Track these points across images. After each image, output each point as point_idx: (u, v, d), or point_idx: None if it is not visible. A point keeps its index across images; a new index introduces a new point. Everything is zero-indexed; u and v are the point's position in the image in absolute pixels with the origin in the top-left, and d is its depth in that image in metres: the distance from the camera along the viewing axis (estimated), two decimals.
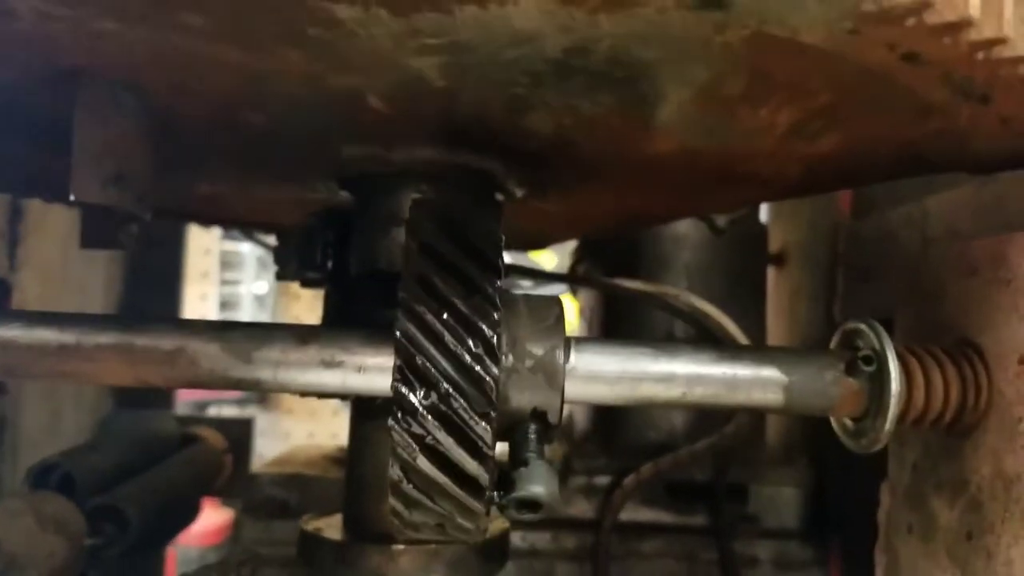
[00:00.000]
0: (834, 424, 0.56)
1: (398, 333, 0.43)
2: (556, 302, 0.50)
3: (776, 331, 1.31)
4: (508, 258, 0.51)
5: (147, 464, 1.04)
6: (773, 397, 0.51)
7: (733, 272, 1.19)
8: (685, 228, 1.19)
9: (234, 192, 0.82)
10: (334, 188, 0.74)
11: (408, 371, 0.42)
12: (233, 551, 1.03)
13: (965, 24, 0.34)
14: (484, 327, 0.43)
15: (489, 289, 0.43)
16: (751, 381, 0.51)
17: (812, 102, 0.46)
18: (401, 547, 0.63)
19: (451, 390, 0.42)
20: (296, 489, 1.08)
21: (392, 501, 0.45)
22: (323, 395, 0.54)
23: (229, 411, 2.93)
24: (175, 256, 1.47)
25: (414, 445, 0.43)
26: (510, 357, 0.45)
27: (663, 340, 1.13)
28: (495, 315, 0.43)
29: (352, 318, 0.68)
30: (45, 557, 0.78)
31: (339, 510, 0.78)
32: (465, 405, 0.42)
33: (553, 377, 0.47)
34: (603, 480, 1.05)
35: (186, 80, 0.47)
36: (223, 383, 0.50)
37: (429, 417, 0.42)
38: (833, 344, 0.56)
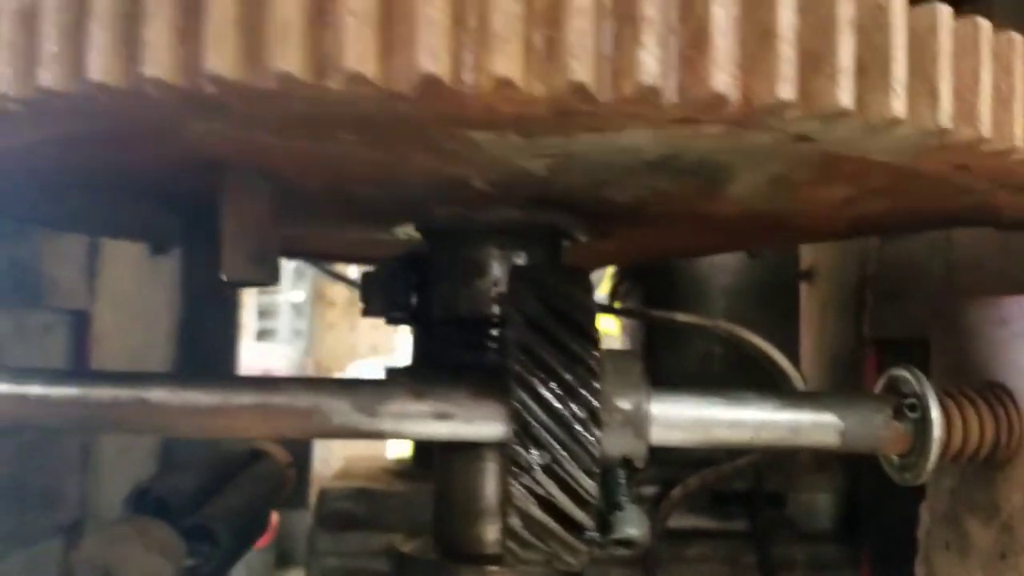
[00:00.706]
0: (882, 460, 0.62)
1: (513, 401, 0.50)
2: (637, 358, 0.57)
3: (806, 343, 1.37)
4: None
5: (223, 481, 1.11)
6: (830, 440, 0.58)
7: (768, 291, 1.25)
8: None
9: (322, 235, 0.89)
10: (417, 237, 0.81)
11: (524, 435, 0.49)
12: (312, 564, 1.11)
13: (1012, 150, 0.40)
14: (587, 395, 0.50)
15: (589, 360, 0.50)
16: (811, 426, 0.58)
17: (869, 185, 0.53)
18: (495, 569, 0.70)
19: (560, 451, 0.49)
20: (363, 502, 1.15)
21: (509, 543, 0.52)
22: (433, 442, 0.61)
23: None
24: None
25: (530, 497, 0.50)
26: (604, 415, 0.52)
27: (702, 359, 1.20)
28: (595, 384, 0.50)
29: (438, 358, 0.75)
30: None
31: (409, 525, 0.85)
32: (573, 463, 0.49)
33: (640, 429, 0.54)
34: (651, 490, 1.12)
35: (323, 171, 0.54)
36: (350, 434, 0.58)
37: (542, 474, 0.49)
38: (878, 388, 0.63)
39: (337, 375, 3.60)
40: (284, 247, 0.89)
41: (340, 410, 0.57)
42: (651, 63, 0.33)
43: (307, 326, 3.45)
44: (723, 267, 1.26)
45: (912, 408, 0.58)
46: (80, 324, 1.13)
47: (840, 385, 1.27)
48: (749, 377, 0.75)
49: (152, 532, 0.87)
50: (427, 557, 0.73)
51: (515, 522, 0.51)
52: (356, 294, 0.87)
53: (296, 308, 3.49)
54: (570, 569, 0.55)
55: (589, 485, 0.50)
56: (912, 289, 1.12)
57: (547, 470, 0.49)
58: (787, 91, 0.34)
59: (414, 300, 0.83)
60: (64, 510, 1.12)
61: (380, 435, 0.58)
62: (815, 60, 0.35)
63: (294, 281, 3.44)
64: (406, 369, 0.81)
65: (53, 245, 1.04)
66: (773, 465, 1.15)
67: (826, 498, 1.19)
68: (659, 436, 0.56)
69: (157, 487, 0.96)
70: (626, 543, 0.52)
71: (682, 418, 0.57)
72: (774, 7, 0.35)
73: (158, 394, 0.55)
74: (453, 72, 0.34)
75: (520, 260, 0.74)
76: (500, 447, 0.58)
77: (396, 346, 3.67)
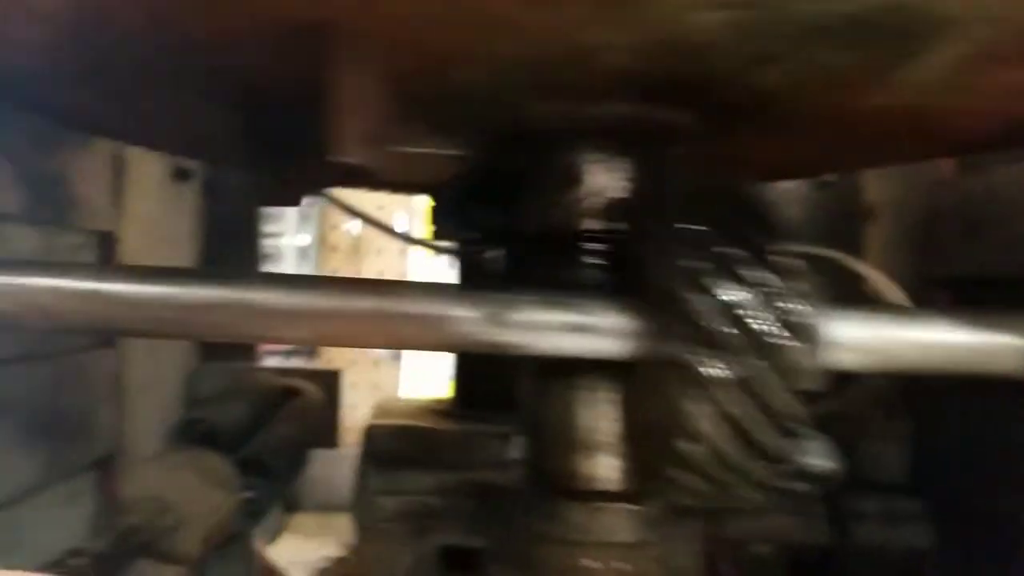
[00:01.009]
0: None
1: (704, 313, 0.43)
2: (804, 266, 0.50)
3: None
4: None
5: (265, 416, 1.05)
6: (1012, 363, 0.52)
7: (833, 226, 1.19)
8: (788, 183, 1.19)
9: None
10: (495, 147, 0.73)
11: (706, 345, 0.42)
12: (364, 503, 1.04)
13: None
14: (783, 303, 0.43)
15: (791, 268, 0.43)
16: (993, 347, 0.51)
17: None
18: (603, 505, 0.64)
19: (754, 365, 0.42)
20: (413, 441, 1.09)
21: (676, 479, 0.45)
22: (563, 358, 0.54)
23: (272, 362, 2.94)
24: (252, 214, 1.45)
25: (710, 417, 0.43)
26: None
27: None
28: (798, 293, 0.43)
29: (533, 277, 0.68)
30: (210, 512, 0.79)
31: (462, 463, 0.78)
32: (771, 386, 0.42)
33: (818, 350, 0.48)
34: None
35: (452, 42, 0.46)
36: (475, 346, 0.51)
37: (732, 390, 0.42)
38: None
39: None
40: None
41: (469, 319, 0.50)
42: None
43: (312, 271, 3.36)
44: (788, 198, 1.19)
45: None
46: (106, 246, 1.05)
47: None
48: None
49: (208, 463, 0.81)
50: (533, 493, 0.66)
51: (686, 448, 0.44)
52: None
53: (302, 252, 3.40)
54: (737, 506, 0.49)
55: (790, 407, 0.43)
56: (996, 225, 1.06)
57: (738, 386, 0.42)
58: None
59: (490, 218, 0.76)
60: (97, 442, 1.04)
61: (507, 348, 0.51)
62: None
63: (299, 225, 3.35)
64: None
65: (80, 161, 0.95)
66: (840, 415, 1.10)
67: (894, 448, 1.14)
68: (838, 358, 0.49)
69: (208, 417, 0.89)
70: (814, 477, 0.46)
71: (861, 338, 0.50)
72: None
73: (266, 297, 0.48)
74: None
75: (620, 169, 0.66)
76: (652, 368, 0.50)
77: None
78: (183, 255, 1.32)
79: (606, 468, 0.67)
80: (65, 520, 0.97)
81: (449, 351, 0.51)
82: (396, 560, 1.06)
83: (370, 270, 3.52)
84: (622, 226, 0.62)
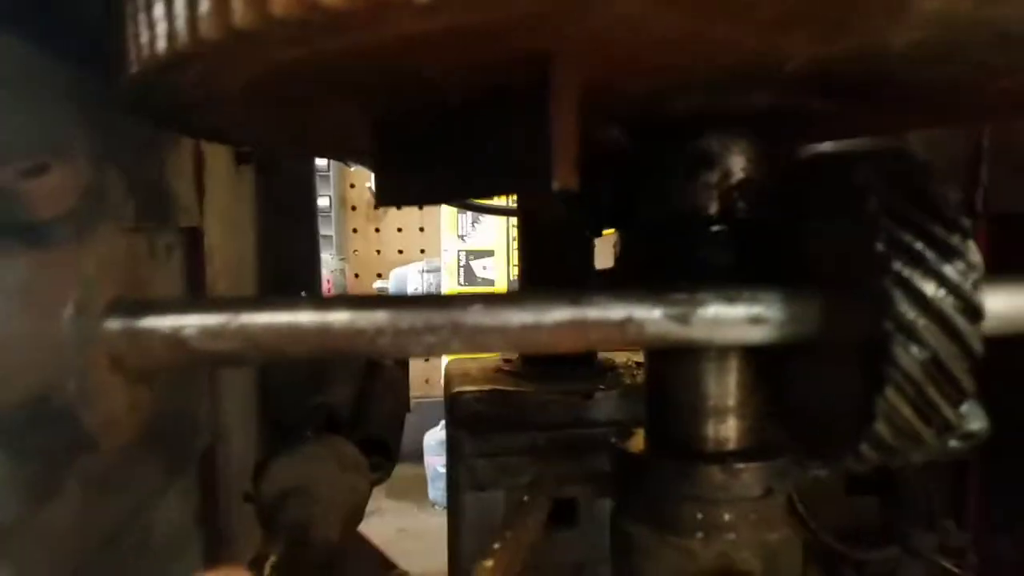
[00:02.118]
0: None
1: (895, 299, 0.47)
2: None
3: None
4: None
5: (364, 393, 1.09)
6: None
7: None
8: None
9: None
10: (615, 132, 0.76)
11: (906, 333, 0.47)
12: (458, 467, 1.10)
13: None
14: (968, 290, 0.47)
15: (967, 253, 0.47)
16: None
17: None
18: (739, 464, 0.70)
19: (943, 347, 0.47)
20: (496, 404, 1.14)
21: (864, 447, 0.50)
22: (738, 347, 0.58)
23: None
24: (308, 191, 1.47)
25: (901, 398, 0.48)
26: None
27: None
28: (976, 277, 0.47)
29: (657, 263, 0.72)
30: (350, 495, 0.84)
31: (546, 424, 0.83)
32: (954, 360, 0.47)
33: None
34: None
35: (664, 62, 0.48)
36: (663, 344, 0.55)
37: (921, 372, 0.47)
38: None
39: (377, 283, 3.54)
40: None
41: (653, 319, 0.54)
42: None
43: (335, 231, 3.36)
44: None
45: None
46: (194, 242, 1.07)
47: None
48: None
49: (343, 450, 0.85)
50: (663, 455, 0.72)
51: (881, 428, 0.49)
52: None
53: (322, 213, 3.39)
54: (902, 463, 0.54)
55: (967, 381, 0.48)
56: None
57: (926, 369, 0.47)
58: None
59: (614, 200, 0.79)
60: (200, 436, 1.08)
61: (691, 343, 0.55)
62: None
63: (318, 186, 3.31)
64: (617, 274, 0.78)
65: (171, 160, 0.96)
66: None
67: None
68: (988, 328, 0.54)
69: (329, 403, 0.93)
70: (967, 436, 0.51)
71: (1006, 307, 0.55)
72: None
73: (473, 316, 0.51)
74: None
75: (746, 148, 0.70)
76: (825, 348, 0.55)
77: (425, 248, 3.59)
78: (247, 238, 1.34)
79: (736, 430, 0.72)
80: (180, 517, 1.02)
81: (636, 348, 0.55)
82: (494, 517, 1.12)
83: (390, 225, 3.54)
84: (756, 207, 0.66)
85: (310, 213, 1.47)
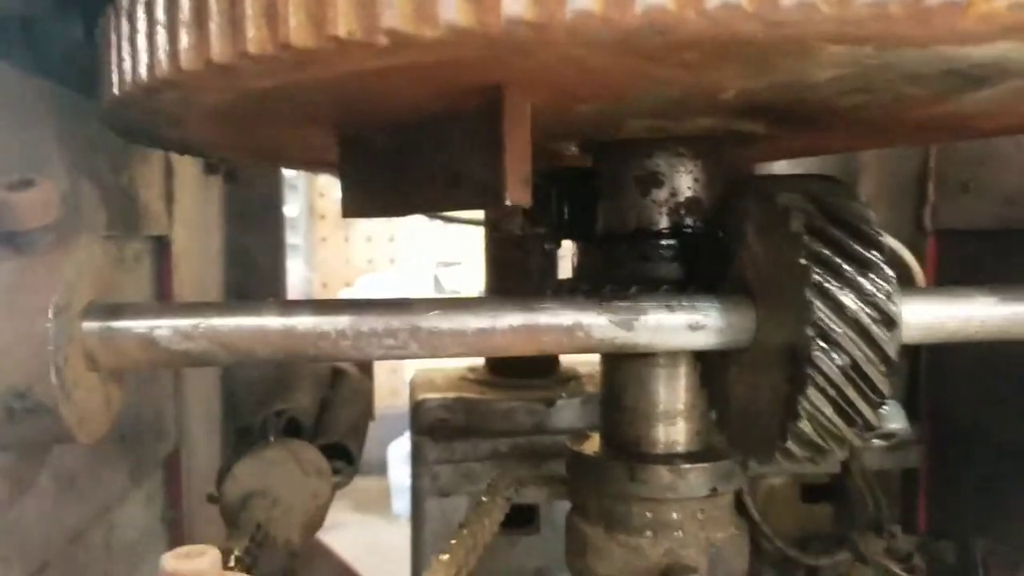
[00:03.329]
0: None
1: (816, 309, 0.51)
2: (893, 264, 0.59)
3: None
4: None
5: (326, 400, 1.12)
6: None
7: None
8: None
9: None
10: (572, 149, 0.80)
11: (825, 341, 0.51)
12: (422, 473, 1.13)
13: None
14: (883, 300, 0.52)
15: (883, 267, 0.52)
16: None
17: None
18: (685, 465, 0.74)
19: (860, 354, 0.51)
20: (461, 412, 1.17)
21: (792, 444, 0.55)
22: (677, 351, 0.62)
23: None
24: (275, 200, 1.49)
25: (824, 400, 0.52)
26: None
27: None
28: (890, 289, 0.52)
29: (613, 273, 0.76)
30: (311, 499, 0.86)
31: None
32: (871, 365, 0.52)
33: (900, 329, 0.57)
34: None
35: (593, 91, 0.53)
36: (608, 348, 0.59)
37: (841, 376, 0.52)
38: None
39: (343, 290, 3.56)
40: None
41: (599, 325, 0.58)
42: None
43: (303, 241, 3.37)
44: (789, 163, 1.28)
45: None
46: (162, 249, 1.09)
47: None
48: None
49: (305, 455, 0.88)
50: (615, 456, 0.76)
51: (804, 426, 0.54)
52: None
53: (291, 222, 3.39)
54: (821, 460, 0.58)
55: (883, 384, 0.52)
56: (986, 183, 1.16)
57: (845, 373, 0.52)
58: None
59: (566, 215, 0.83)
60: (165, 442, 1.10)
61: (635, 349, 0.59)
62: None
63: (287, 195, 3.33)
64: (576, 282, 0.82)
65: (141, 170, 0.99)
66: None
67: (895, 385, 1.27)
68: (906, 337, 0.59)
69: (291, 409, 0.96)
70: (887, 436, 0.56)
71: (922, 318, 0.59)
72: None
73: (431, 321, 0.55)
74: None
75: (692, 169, 0.74)
76: (756, 354, 0.59)
77: (394, 258, 3.61)
78: (214, 245, 1.37)
79: (685, 433, 0.76)
80: (145, 520, 1.04)
81: (583, 352, 0.59)
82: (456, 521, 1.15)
83: (360, 235, 3.56)
84: (700, 223, 0.71)
85: (277, 222, 1.49)
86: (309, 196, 3.45)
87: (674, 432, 0.76)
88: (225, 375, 1.40)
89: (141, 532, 1.02)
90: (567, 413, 1.21)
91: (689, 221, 0.73)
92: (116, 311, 0.52)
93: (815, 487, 1.31)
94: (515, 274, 1.22)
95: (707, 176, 0.73)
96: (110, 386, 0.55)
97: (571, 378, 1.30)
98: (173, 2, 0.43)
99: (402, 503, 3.33)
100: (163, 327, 0.52)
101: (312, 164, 0.97)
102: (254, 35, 0.38)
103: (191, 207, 1.20)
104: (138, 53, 0.45)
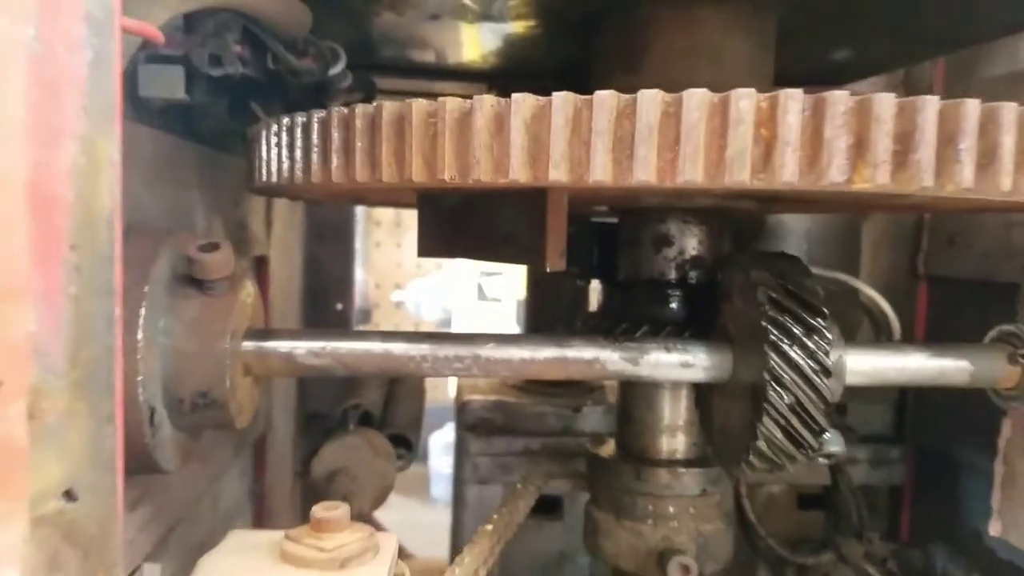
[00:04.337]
0: (989, 391, 0.84)
1: (771, 360, 0.70)
2: (835, 326, 0.77)
3: (862, 276, 1.59)
4: None
5: (390, 396, 1.32)
6: (964, 379, 0.80)
7: (840, 235, 1.45)
8: None
9: None
10: (607, 211, 0.99)
11: (777, 384, 0.70)
12: (464, 463, 1.33)
13: None
14: (821, 355, 0.70)
15: (823, 329, 0.70)
16: (952, 369, 0.79)
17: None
18: (681, 469, 0.93)
19: (802, 395, 0.70)
20: (500, 412, 1.37)
21: (753, 458, 0.74)
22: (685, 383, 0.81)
23: None
24: (346, 220, 1.71)
25: (776, 427, 0.71)
26: None
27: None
28: (827, 347, 0.70)
29: (631, 312, 0.95)
30: (380, 478, 1.07)
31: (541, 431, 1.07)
32: (810, 403, 0.70)
33: (840, 376, 0.76)
34: None
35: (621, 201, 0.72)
36: (619, 377, 0.78)
37: (788, 411, 0.70)
38: (989, 338, 0.84)
39: (395, 292, 3.82)
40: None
41: (612, 360, 0.77)
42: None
43: (362, 245, 3.63)
44: (803, 215, 1.45)
45: (1023, 356, 0.79)
46: (261, 266, 1.31)
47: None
48: None
49: (376, 441, 1.09)
50: (626, 460, 0.95)
51: (761, 445, 0.72)
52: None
53: None
54: (779, 473, 0.77)
55: (821, 418, 0.71)
56: (971, 237, 1.32)
57: (791, 409, 0.70)
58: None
59: (595, 260, 1.02)
60: (256, 426, 1.32)
61: (640, 379, 0.79)
62: None
63: None
64: (600, 316, 1.01)
65: (251, 203, 1.21)
66: None
67: (881, 407, 1.44)
68: (850, 380, 0.77)
69: (364, 403, 1.16)
70: (829, 455, 0.74)
71: (865, 367, 0.78)
72: None
73: (487, 351, 0.75)
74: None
75: (697, 233, 0.93)
76: (731, 387, 0.78)
77: (441, 264, 3.87)
78: (296, 260, 1.59)
79: (683, 444, 0.95)
80: (239, 491, 1.25)
81: (599, 380, 0.78)
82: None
83: (411, 241, 3.81)
84: (702, 276, 0.90)
85: (347, 237, 1.71)
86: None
87: (674, 442, 0.95)
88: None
89: (235, 500, 1.24)
90: (591, 419, 1.40)
91: (693, 275, 0.92)
92: (266, 335, 0.73)
93: (809, 497, 1.49)
94: (551, 301, 1.41)
95: (710, 239, 0.92)
96: (255, 388, 0.76)
97: (596, 388, 1.49)
98: (326, 135, 0.63)
99: (440, 488, 3.56)
100: (299, 347, 0.73)
101: (390, 204, 1.17)
102: (387, 171, 0.58)
103: (282, 229, 1.42)
104: (272, 163, 0.65)
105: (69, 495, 0.46)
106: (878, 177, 0.50)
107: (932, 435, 1.43)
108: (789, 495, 1.53)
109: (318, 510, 0.60)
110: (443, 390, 3.21)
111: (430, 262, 3.97)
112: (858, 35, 1.07)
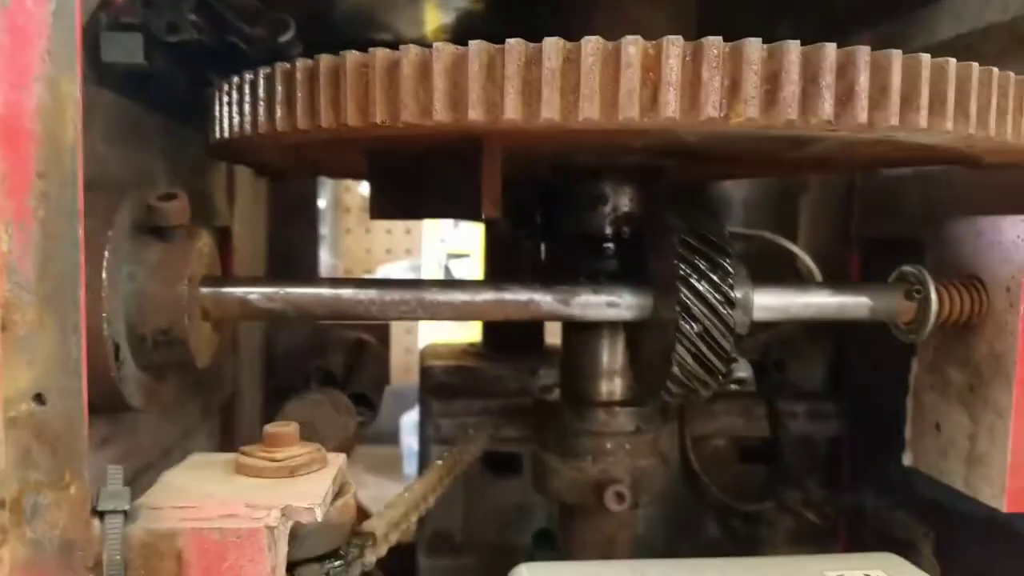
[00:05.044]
0: (891, 326, 0.92)
1: (681, 292, 0.78)
2: (743, 264, 0.85)
3: (800, 241, 1.67)
4: None
5: (354, 362, 1.39)
6: (865, 314, 0.88)
7: (776, 202, 1.54)
8: None
9: None
10: (547, 172, 1.07)
11: (687, 314, 0.78)
12: (427, 424, 1.40)
13: None
14: (725, 288, 0.78)
15: (728, 266, 0.78)
16: (853, 305, 0.87)
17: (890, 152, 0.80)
18: (617, 408, 1.01)
19: (709, 324, 0.78)
20: (460, 376, 1.44)
21: (670, 384, 0.81)
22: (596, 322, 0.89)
23: None
24: (310, 199, 1.77)
25: (687, 354, 0.79)
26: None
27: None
28: (731, 280, 0.78)
29: (569, 266, 1.02)
30: (341, 431, 1.13)
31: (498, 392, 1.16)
32: (717, 331, 0.78)
33: (747, 309, 0.83)
34: None
35: (550, 148, 0.79)
36: (550, 317, 0.86)
37: (697, 339, 0.78)
38: (892, 279, 0.92)
39: (364, 274, 3.89)
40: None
41: (546, 301, 0.84)
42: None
43: (329, 231, 3.68)
44: (741, 183, 1.53)
45: (917, 292, 0.88)
46: (224, 237, 1.37)
47: (830, 276, 1.58)
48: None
49: (338, 399, 1.15)
50: (568, 404, 1.02)
51: (676, 371, 0.80)
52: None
53: (319, 215, 3.70)
54: (695, 398, 0.84)
55: (728, 345, 0.79)
56: (895, 199, 1.41)
57: (700, 336, 0.78)
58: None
59: (542, 221, 1.10)
60: (223, 391, 1.38)
61: (571, 318, 0.86)
62: None
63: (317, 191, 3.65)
64: (542, 270, 1.08)
65: (213, 176, 1.27)
66: (777, 338, 1.47)
67: (818, 364, 1.53)
68: (757, 315, 0.85)
69: (328, 365, 1.23)
70: (739, 381, 0.82)
71: (771, 302, 0.86)
72: None
73: (431, 294, 0.82)
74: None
75: (628, 191, 1.01)
76: (652, 324, 0.86)
77: (410, 249, 3.94)
78: (260, 235, 1.64)
79: (620, 387, 1.03)
80: (207, 451, 1.31)
81: (535, 319, 0.84)
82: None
83: (380, 227, 3.88)
84: (634, 232, 0.97)
85: (311, 216, 1.77)
86: (335, 191, 3.77)
87: (612, 385, 1.03)
88: (269, 342, 1.68)
89: None
90: (547, 381, 1.47)
91: (626, 229, 0.99)
92: (222, 281, 0.79)
93: (751, 449, 1.57)
94: (505, 264, 1.49)
95: (640, 196, 0.99)
96: (214, 332, 0.82)
97: (553, 353, 1.56)
98: (271, 88, 0.70)
99: (412, 466, 3.63)
100: (254, 292, 0.79)
101: (345, 174, 1.24)
102: (325, 117, 0.65)
103: (246, 204, 1.48)
104: (244, 115, 0.72)
105: (39, 398, 0.53)
106: (749, 111, 0.57)
107: (867, 389, 1.52)
108: (732, 448, 1.61)
109: (271, 427, 0.67)
110: (414, 373, 3.28)
111: (399, 247, 4.06)
112: (789, 13, 1.16)
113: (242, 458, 0.66)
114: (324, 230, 3.71)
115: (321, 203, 3.88)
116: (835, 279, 1.43)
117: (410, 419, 3.76)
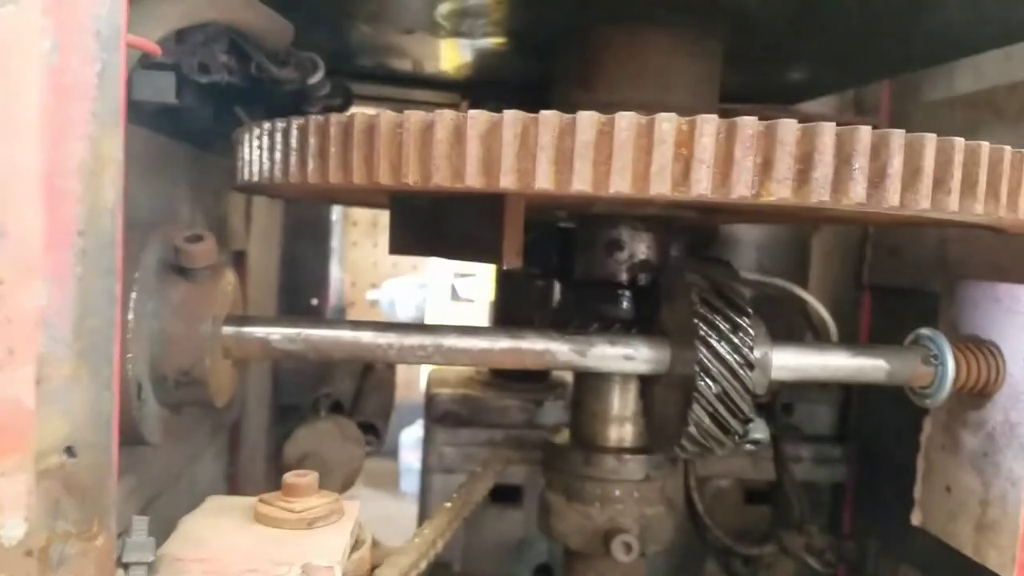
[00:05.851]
0: (907, 390, 0.93)
1: (700, 352, 0.78)
2: (761, 323, 0.85)
3: (811, 286, 1.68)
4: None
5: (360, 388, 1.39)
6: (882, 377, 0.88)
7: (787, 244, 1.54)
8: None
9: None
10: (565, 217, 1.07)
11: (705, 374, 0.78)
12: (431, 452, 1.40)
13: None
14: (745, 350, 0.78)
15: (748, 327, 0.78)
16: (870, 368, 0.88)
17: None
18: (627, 456, 1.01)
19: (728, 385, 0.78)
20: (466, 405, 1.45)
21: (685, 442, 0.81)
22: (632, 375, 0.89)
23: None
24: (323, 219, 1.78)
25: (704, 414, 0.79)
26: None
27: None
28: (751, 343, 0.78)
29: (584, 310, 1.02)
30: (348, 462, 1.14)
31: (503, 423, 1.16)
32: (735, 393, 0.78)
33: (766, 370, 0.84)
34: None
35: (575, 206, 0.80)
36: (566, 367, 0.86)
37: (716, 400, 0.78)
38: (908, 341, 0.93)
39: (371, 291, 3.90)
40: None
41: (562, 352, 0.85)
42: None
43: (339, 244, 3.69)
44: (753, 225, 1.54)
45: (936, 358, 0.88)
46: (240, 260, 1.37)
47: (839, 321, 1.59)
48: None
49: (346, 428, 1.15)
50: (578, 448, 1.03)
51: (692, 430, 0.80)
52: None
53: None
54: (709, 456, 0.85)
55: (746, 407, 0.79)
56: (909, 249, 1.42)
57: (718, 397, 0.78)
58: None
59: (558, 263, 1.10)
60: (231, 413, 1.39)
61: (587, 369, 0.86)
62: None
63: None
64: (557, 313, 1.09)
65: (233, 200, 1.27)
66: (786, 383, 1.47)
67: (825, 407, 1.53)
68: (775, 375, 0.85)
69: (335, 392, 1.23)
70: (754, 442, 0.83)
71: (789, 363, 0.86)
72: None
73: (450, 341, 0.82)
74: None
75: (645, 239, 1.01)
76: (668, 379, 0.86)
77: (416, 265, 3.95)
78: (273, 254, 1.65)
79: (630, 433, 1.03)
80: (214, 473, 1.32)
81: (550, 369, 0.85)
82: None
83: (386, 241, 3.91)
84: (649, 279, 0.98)
85: (324, 235, 1.77)
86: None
87: (622, 432, 1.03)
88: (275, 365, 1.68)
89: (211, 482, 1.30)
90: (552, 412, 1.48)
91: (642, 277, 1.00)
92: (244, 321, 0.80)
93: (755, 491, 1.57)
94: (517, 301, 1.49)
95: (658, 244, 1.00)
96: (235, 370, 0.83)
97: (558, 385, 1.56)
98: (303, 140, 0.70)
99: (409, 482, 3.63)
100: (275, 333, 0.79)
101: (363, 205, 1.24)
102: (357, 173, 0.65)
103: (262, 225, 1.48)
104: (275, 162, 0.72)
105: (70, 451, 0.53)
106: (781, 192, 0.58)
107: (873, 436, 1.52)
108: (737, 490, 1.62)
109: (289, 476, 0.67)
110: (414, 388, 3.28)
111: (406, 262, 4.06)
112: (807, 60, 1.16)
113: (261, 507, 0.66)
114: (332, 243, 3.73)
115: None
116: (845, 322, 1.44)
117: (409, 434, 3.76)
